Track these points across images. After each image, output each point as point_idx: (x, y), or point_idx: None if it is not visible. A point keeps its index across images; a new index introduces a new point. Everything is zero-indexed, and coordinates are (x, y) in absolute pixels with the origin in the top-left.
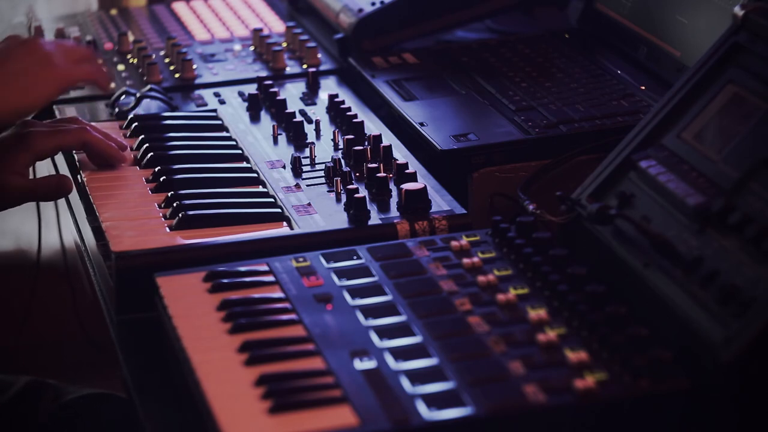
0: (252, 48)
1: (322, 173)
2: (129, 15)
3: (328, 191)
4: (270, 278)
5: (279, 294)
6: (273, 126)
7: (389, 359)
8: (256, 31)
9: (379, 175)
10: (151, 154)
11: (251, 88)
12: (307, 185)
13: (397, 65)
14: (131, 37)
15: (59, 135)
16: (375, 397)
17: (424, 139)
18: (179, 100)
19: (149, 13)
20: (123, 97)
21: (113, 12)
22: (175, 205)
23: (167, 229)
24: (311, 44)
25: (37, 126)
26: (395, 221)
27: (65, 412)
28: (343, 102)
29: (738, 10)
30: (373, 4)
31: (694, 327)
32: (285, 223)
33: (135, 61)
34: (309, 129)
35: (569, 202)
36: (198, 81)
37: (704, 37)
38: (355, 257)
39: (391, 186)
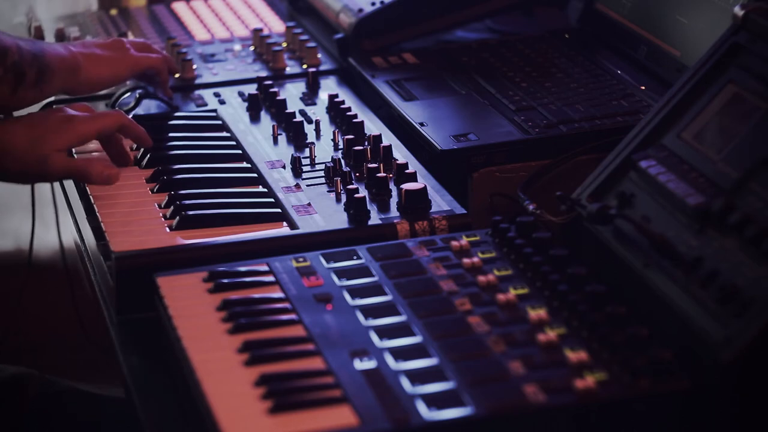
0: (252, 48)
1: (322, 173)
2: (129, 15)
3: (328, 191)
4: (270, 278)
5: (279, 294)
6: (273, 126)
7: (389, 359)
8: (256, 31)
9: (379, 175)
10: (151, 154)
11: (251, 88)
12: (307, 185)
13: (397, 65)
14: (131, 37)
15: (100, 119)
16: (375, 397)
17: (424, 139)
18: (179, 100)
19: (149, 13)
20: (123, 97)
21: (113, 12)
22: (175, 205)
23: (167, 229)
24: (311, 44)
25: (75, 108)
26: (395, 221)
27: (49, 405)
28: (343, 102)
29: (738, 10)
30: (373, 4)
31: (694, 327)
32: (285, 223)
33: None
34: (309, 129)
35: (569, 202)
36: (198, 81)
37: (704, 37)
38: (355, 257)
39: (391, 186)
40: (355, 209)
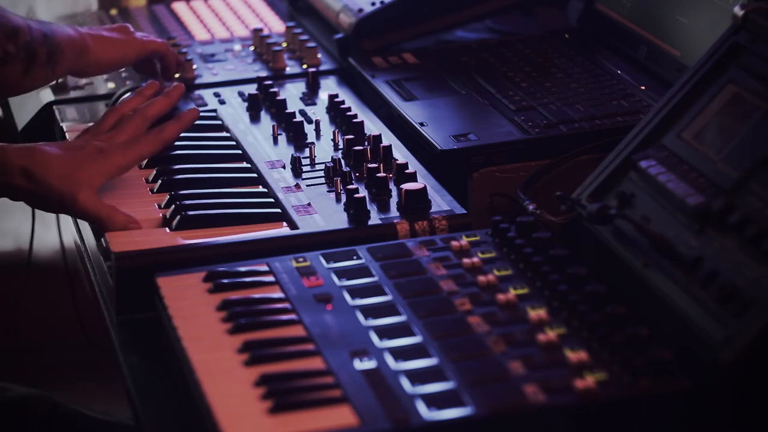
0: (252, 48)
1: (322, 173)
2: (129, 15)
3: (328, 191)
4: (270, 278)
5: (279, 294)
6: (273, 126)
7: (389, 359)
8: (256, 31)
9: (379, 175)
10: None
11: (251, 88)
12: (307, 185)
13: (397, 65)
14: None
15: (138, 147)
16: (375, 397)
17: (424, 139)
18: (179, 100)
19: (149, 13)
20: (123, 97)
21: (113, 12)
22: (175, 205)
23: (167, 229)
24: (311, 44)
25: (107, 138)
26: (395, 221)
27: (55, 427)
28: (343, 102)
29: (738, 10)
30: (373, 4)
31: (694, 327)
32: (285, 223)
33: None
34: (309, 129)
35: (569, 202)
36: (198, 81)
37: (704, 37)
38: (355, 257)
39: (391, 186)
40: (355, 209)
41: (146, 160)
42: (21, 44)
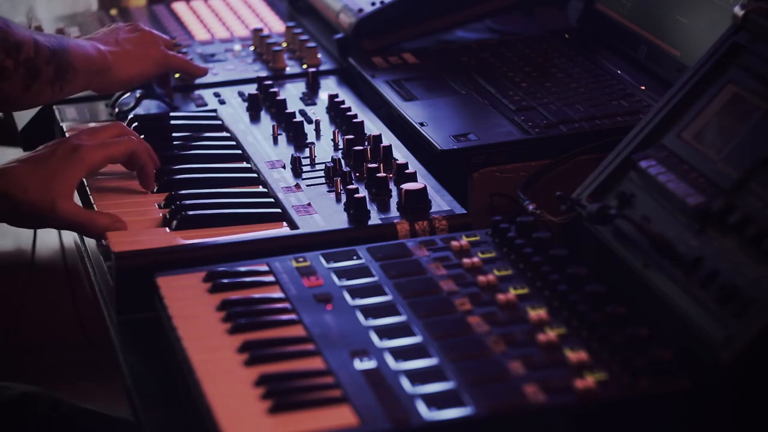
0: (252, 48)
1: (322, 173)
2: (129, 15)
3: (328, 191)
4: (270, 278)
5: (279, 294)
6: (273, 126)
7: (389, 359)
8: (256, 31)
9: (379, 175)
10: None
11: (251, 88)
12: (307, 185)
13: (397, 65)
14: None
15: (109, 147)
16: (375, 397)
17: (424, 139)
18: (179, 100)
19: (149, 13)
20: (123, 97)
21: (113, 12)
22: (175, 205)
23: (167, 229)
24: (311, 44)
25: (83, 138)
26: (395, 221)
27: (56, 424)
28: (343, 102)
29: (738, 10)
30: (373, 4)
31: (694, 327)
32: (285, 223)
33: None
34: (309, 129)
35: (569, 202)
36: (198, 81)
37: (704, 37)
38: (355, 257)
39: (391, 186)
40: (355, 209)
41: None
42: (21, 60)
